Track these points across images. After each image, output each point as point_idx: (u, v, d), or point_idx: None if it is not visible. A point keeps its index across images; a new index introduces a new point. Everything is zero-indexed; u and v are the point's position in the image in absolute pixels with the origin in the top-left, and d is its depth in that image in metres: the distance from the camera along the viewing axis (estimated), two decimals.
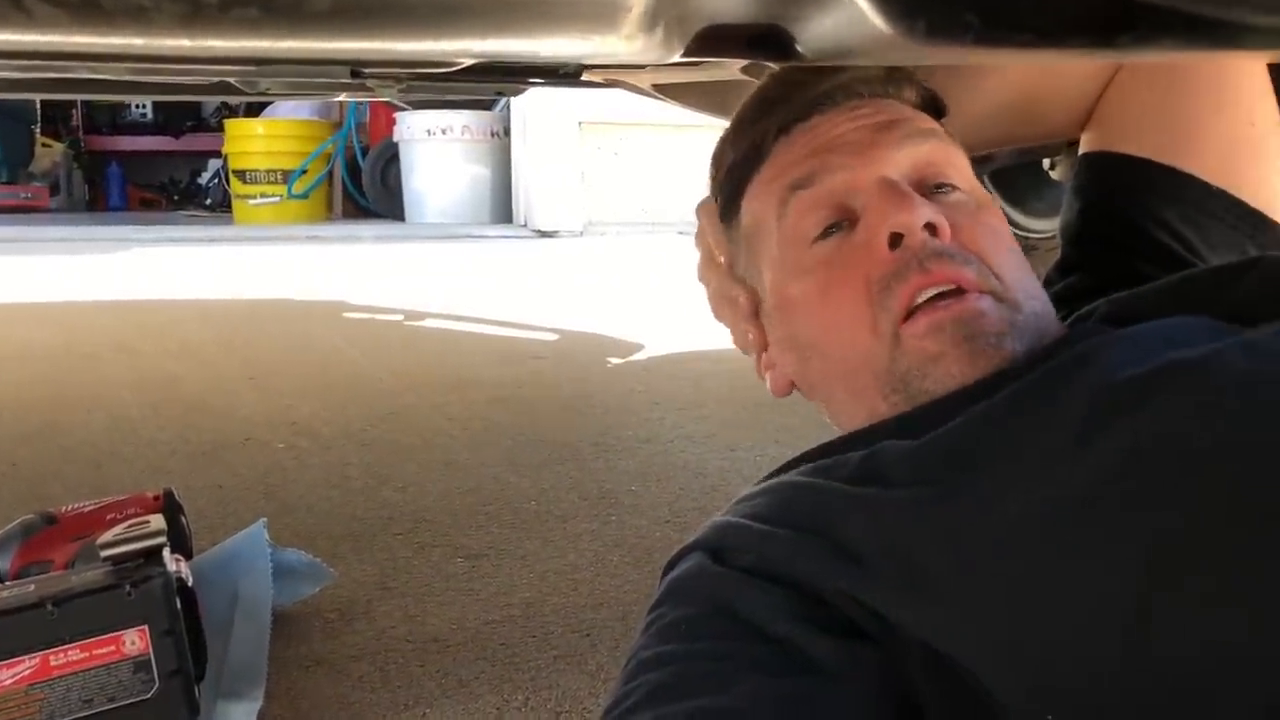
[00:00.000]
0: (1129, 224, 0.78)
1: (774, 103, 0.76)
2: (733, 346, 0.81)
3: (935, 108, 0.78)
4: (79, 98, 6.28)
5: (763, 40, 0.60)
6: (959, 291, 0.64)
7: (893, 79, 0.75)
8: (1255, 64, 0.78)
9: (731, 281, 0.79)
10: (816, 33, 0.57)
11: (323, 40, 0.52)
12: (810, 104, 0.74)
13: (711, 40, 0.59)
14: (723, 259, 0.80)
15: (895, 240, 0.66)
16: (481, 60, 0.89)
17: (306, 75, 0.98)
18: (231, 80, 1.05)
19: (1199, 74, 0.79)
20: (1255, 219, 0.76)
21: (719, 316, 0.81)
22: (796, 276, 0.71)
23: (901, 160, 0.70)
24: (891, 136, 0.70)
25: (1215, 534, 0.46)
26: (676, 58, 0.61)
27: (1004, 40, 0.38)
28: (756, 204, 0.75)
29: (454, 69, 0.90)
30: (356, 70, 0.96)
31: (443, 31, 0.49)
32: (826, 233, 0.70)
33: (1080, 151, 0.85)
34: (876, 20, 0.43)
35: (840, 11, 0.50)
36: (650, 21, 0.51)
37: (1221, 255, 0.76)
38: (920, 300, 0.64)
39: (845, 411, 0.72)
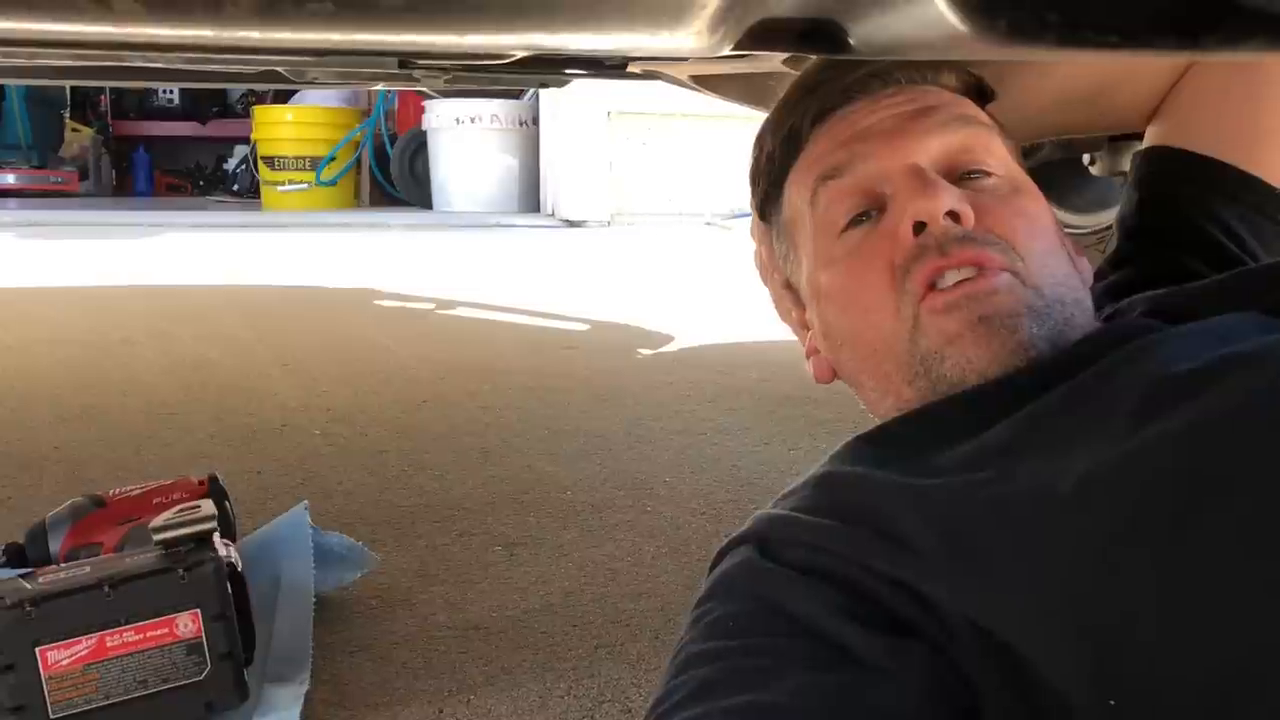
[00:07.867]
0: (1186, 221, 0.78)
1: (811, 91, 0.76)
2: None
3: (979, 92, 0.77)
4: (110, 84, 6.31)
5: (814, 34, 0.60)
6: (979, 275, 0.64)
7: (930, 65, 0.74)
8: None
9: (772, 270, 0.82)
10: (874, 28, 0.56)
11: (393, 33, 0.52)
12: (845, 92, 0.74)
13: (763, 34, 0.59)
14: (763, 250, 0.83)
15: (919, 227, 0.66)
16: (537, 54, 0.90)
17: (358, 65, 0.99)
18: (280, 69, 1.06)
19: (1272, 77, 0.78)
20: None
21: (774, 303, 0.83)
22: (826, 265, 0.72)
23: (932, 147, 0.70)
24: (922, 124, 0.70)
25: (1273, 519, 0.46)
26: (727, 51, 0.61)
27: (1087, 41, 0.38)
28: (794, 194, 0.76)
29: (505, 61, 0.91)
30: (405, 61, 0.97)
31: (515, 25, 0.49)
32: (856, 221, 0.70)
33: (1144, 144, 0.84)
34: (953, 19, 0.43)
35: (907, 8, 0.49)
36: (721, 18, 0.51)
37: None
38: (941, 286, 0.65)
39: (874, 399, 0.73)
